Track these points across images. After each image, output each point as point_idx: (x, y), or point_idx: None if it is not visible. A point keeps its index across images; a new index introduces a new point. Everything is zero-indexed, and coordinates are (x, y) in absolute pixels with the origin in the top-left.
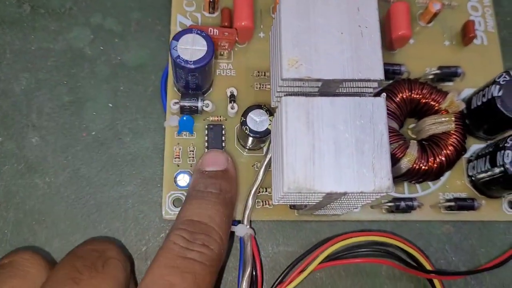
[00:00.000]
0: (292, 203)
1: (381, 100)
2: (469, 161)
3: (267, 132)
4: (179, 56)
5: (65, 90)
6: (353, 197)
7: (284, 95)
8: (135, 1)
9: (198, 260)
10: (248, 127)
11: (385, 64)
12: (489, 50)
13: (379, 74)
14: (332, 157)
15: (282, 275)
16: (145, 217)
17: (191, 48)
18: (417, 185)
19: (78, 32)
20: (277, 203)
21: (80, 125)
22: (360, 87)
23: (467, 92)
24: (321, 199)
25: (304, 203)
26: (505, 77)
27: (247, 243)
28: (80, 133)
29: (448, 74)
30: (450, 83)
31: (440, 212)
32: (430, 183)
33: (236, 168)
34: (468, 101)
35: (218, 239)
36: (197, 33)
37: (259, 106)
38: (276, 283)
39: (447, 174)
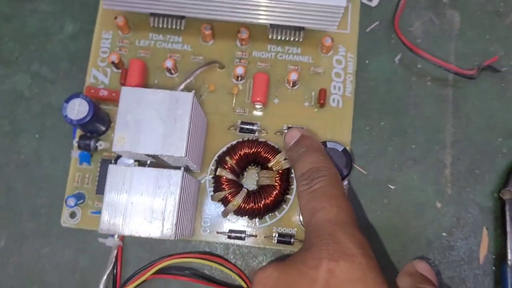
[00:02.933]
0: None
1: (179, 175)
2: None
3: None
4: (66, 115)
5: (7, 122)
6: None
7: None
8: (65, 52)
9: (320, 186)
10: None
11: (242, 122)
12: (343, 112)
13: (181, 153)
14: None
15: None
16: None
17: (77, 109)
18: (256, 219)
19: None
20: None
21: (14, 149)
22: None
23: None
24: None
25: None
26: None
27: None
28: (16, 155)
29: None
30: None
31: (271, 242)
32: (267, 217)
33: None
34: None
35: (325, 170)
36: (82, 98)
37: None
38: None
39: (284, 211)
